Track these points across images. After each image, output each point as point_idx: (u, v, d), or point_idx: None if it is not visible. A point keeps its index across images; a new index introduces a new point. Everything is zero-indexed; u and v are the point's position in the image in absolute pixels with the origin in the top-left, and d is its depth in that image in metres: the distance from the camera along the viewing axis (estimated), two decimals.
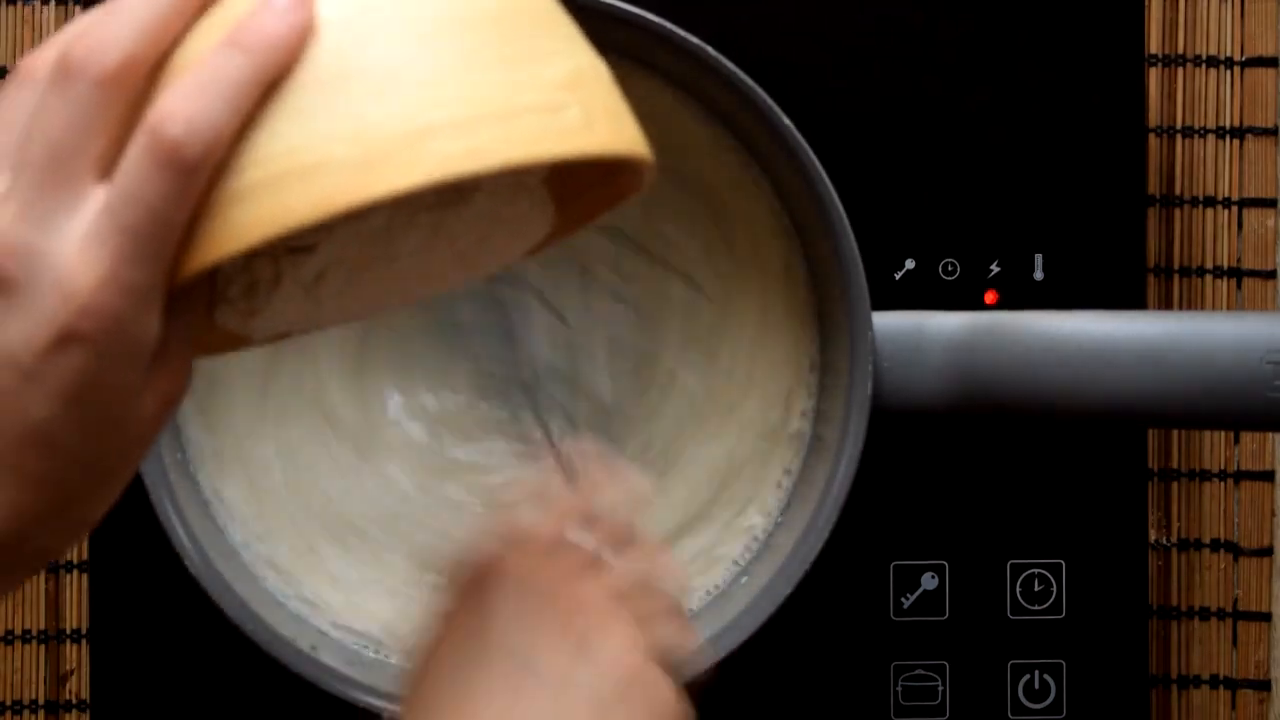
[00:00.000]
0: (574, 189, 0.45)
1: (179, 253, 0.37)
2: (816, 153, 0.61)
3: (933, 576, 0.70)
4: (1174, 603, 0.72)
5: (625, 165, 0.42)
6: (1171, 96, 0.72)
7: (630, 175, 0.43)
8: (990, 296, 0.70)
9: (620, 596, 0.47)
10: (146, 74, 0.37)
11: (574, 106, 0.39)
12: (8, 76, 0.39)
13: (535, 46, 0.39)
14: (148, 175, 0.36)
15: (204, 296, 0.42)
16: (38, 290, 0.36)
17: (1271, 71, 0.73)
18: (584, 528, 0.49)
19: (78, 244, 0.36)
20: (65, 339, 0.36)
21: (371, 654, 0.65)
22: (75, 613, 0.70)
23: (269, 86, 0.37)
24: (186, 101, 0.36)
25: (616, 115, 0.41)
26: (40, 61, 0.38)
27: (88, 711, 0.69)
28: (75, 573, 0.70)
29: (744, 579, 0.66)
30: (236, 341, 0.45)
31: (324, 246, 0.43)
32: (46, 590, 0.70)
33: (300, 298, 0.44)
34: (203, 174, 0.36)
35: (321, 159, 0.36)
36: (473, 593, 0.47)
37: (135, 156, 0.36)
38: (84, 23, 0.38)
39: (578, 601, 0.46)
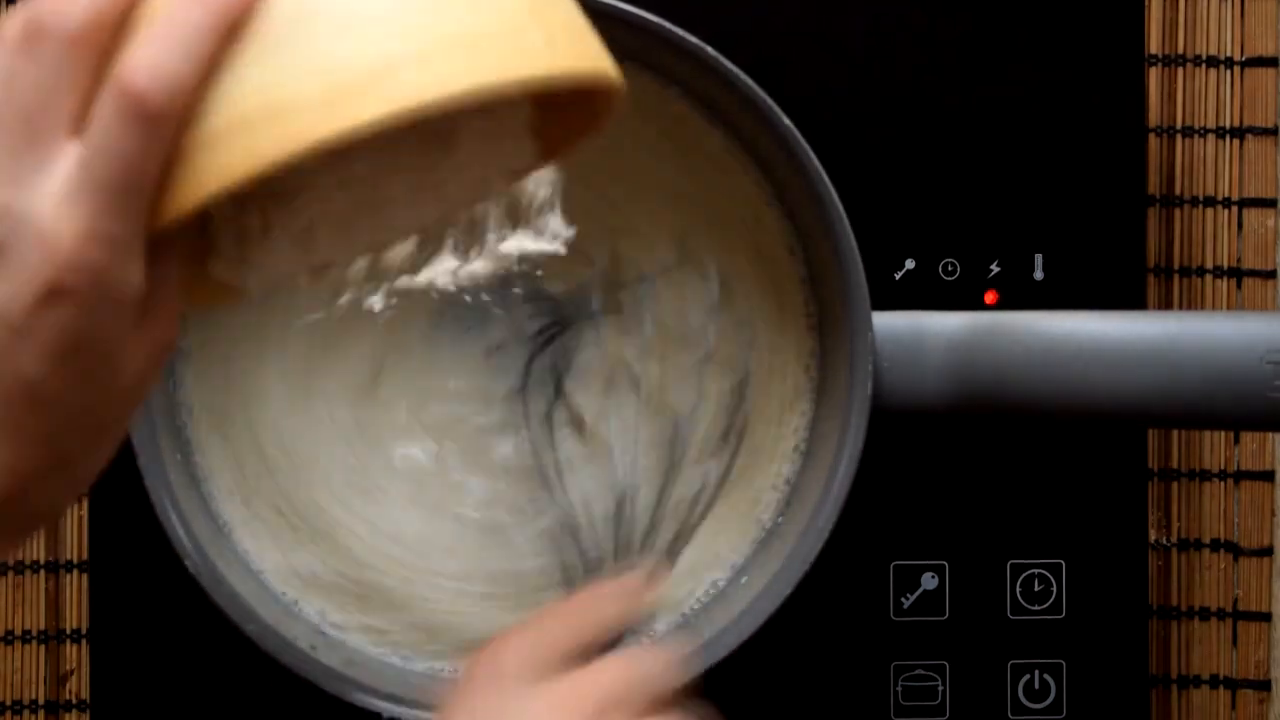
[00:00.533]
0: (551, 117, 0.45)
1: (156, 201, 0.38)
2: (816, 153, 0.61)
3: (933, 576, 0.70)
4: (1174, 603, 0.72)
5: (596, 87, 0.41)
6: (1171, 96, 0.72)
7: (603, 97, 0.43)
8: (990, 296, 0.70)
9: (635, 702, 0.49)
10: (112, 29, 0.38)
11: (535, 30, 0.39)
12: None
13: None
14: (117, 128, 0.37)
15: (188, 245, 0.43)
16: (19, 249, 0.37)
17: (1271, 71, 0.73)
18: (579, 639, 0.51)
19: (55, 201, 0.37)
20: (51, 294, 0.37)
21: (371, 654, 0.65)
22: (75, 613, 0.70)
23: (230, 31, 0.37)
24: (149, 52, 0.37)
25: (579, 36, 0.41)
26: (8, 26, 0.38)
27: (88, 711, 0.69)
28: (75, 573, 0.70)
29: (744, 579, 0.66)
30: (231, 293, 0.45)
31: (307, 195, 0.43)
32: (46, 590, 0.70)
33: (291, 247, 0.44)
34: (170, 122, 0.37)
35: (287, 98, 0.37)
36: (495, 663, 0.49)
37: (104, 110, 0.37)
38: None
39: (600, 699, 0.48)
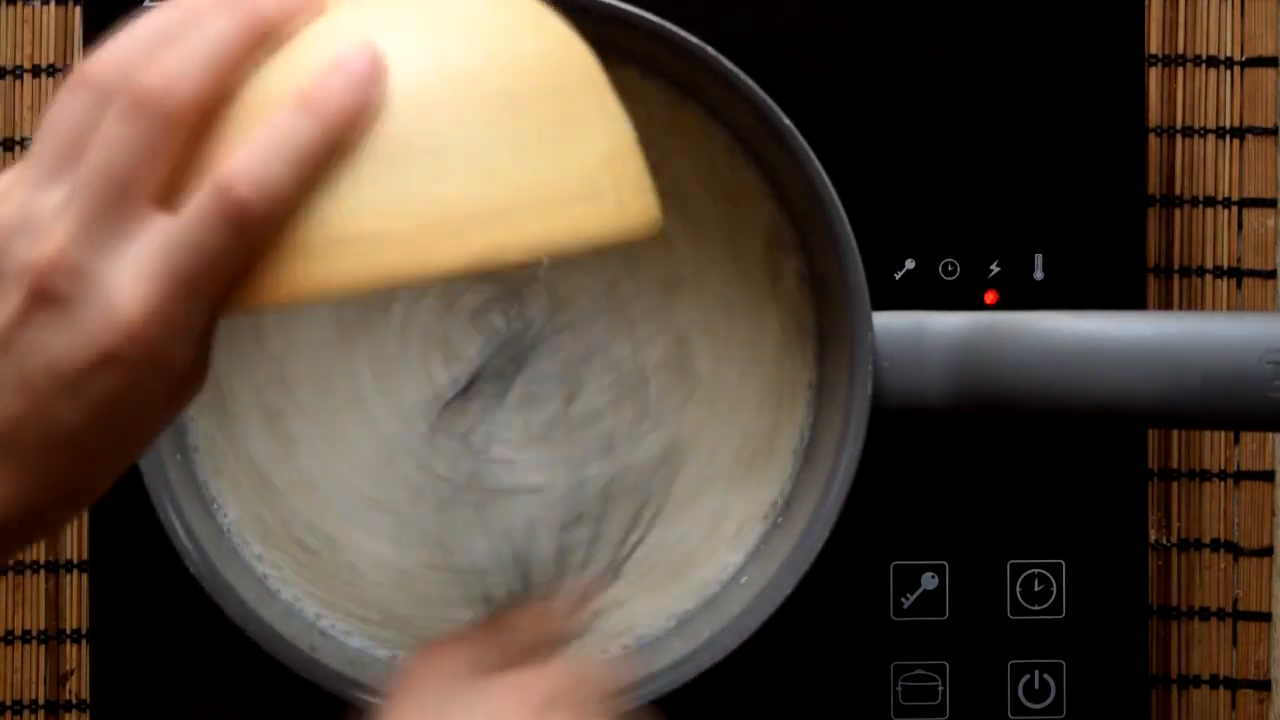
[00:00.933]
0: None
1: (226, 293, 0.39)
2: (816, 153, 0.61)
3: (933, 576, 0.70)
4: (1174, 603, 0.72)
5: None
6: (1171, 96, 0.72)
7: (644, 233, 0.45)
8: (990, 296, 0.70)
9: (561, 707, 0.48)
10: (213, 108, 0.39)
11: (610, 192, 0.42)
12: (65, 80, 0.39)
13: (580, 123, 0.42)
14: (210, 226, 0.38)
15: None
16: (86, 311, 0.38)
17: (1271, 71, 0.73)
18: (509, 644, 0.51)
19: (130, 275, 0.38)
20: (106, 360, 0.38)
21: (371, 654, 0.65)
22: (75, 613, 0.70)
23: (336, 149, 0.38)
24: (254, 158, 0.38)
25: (643, 191, 0.44)
26: (100, 73, 0.39)
27: (88, 711, 0.69)
28: (75, 573, 0.70)
29: (744, 579, 0.66)
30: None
31: None
32: (46, 590, 0.70)
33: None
34: (261, 229, 0.38)
35: (370, 231, 0.38)
36: (422, 683, 0.49)
37: (200, 206, 0.38)
38: (146, 37, 0.39)
39: (526, 709, 0.48)
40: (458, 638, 0.52)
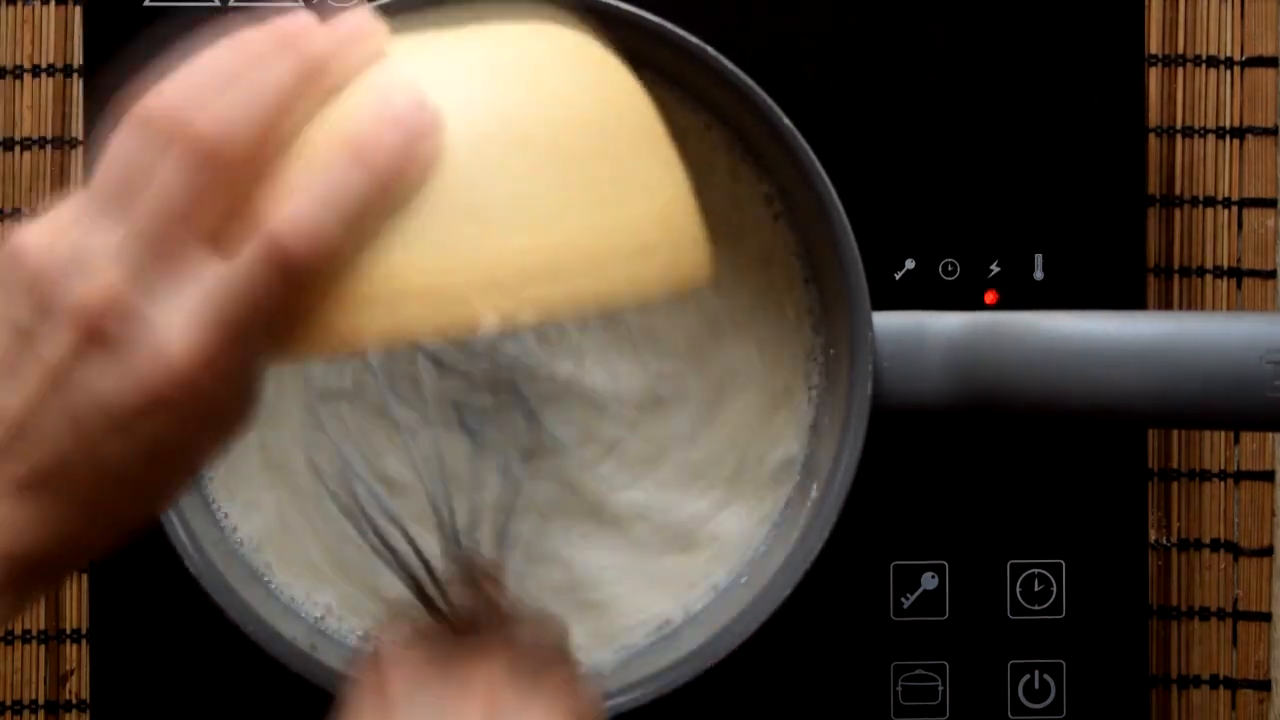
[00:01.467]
0: None
1: (272, 340, 0.39)
2: (816, 153, 0.62)
3: (933, 576, 0.70)
4: (1174, 603, 0.72)
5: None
6: (1171, 96, 0.72)
7: (695, 283, 0.45)
8: (990, 296, 0.70)
9: (524, 674, 0.48)
10: (263, 151, 0.39)
11: (663, 248, 0.41)
12: (122, 119, 0.40)
13: (636, 177, 0.41)
14: (260, 275, 0.38)
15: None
16: (135, 352, 0.38)
17: (1271, 71, 0.73)
18: (473, 615, 0.51)
19: (180, 320, 0.38)
20: (155, 402, 0.39)
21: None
22: (75, 613, 0.70)
23: (386, 200, 0.38)
24: (307, 214, 0.38)
25: (696, 242, 0.43)
26: (159, 113, 0.39)
27: (88, 711, 0.69)
28: (75, 573, 0.70)
29: (744, 579, 0.66)
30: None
31: None
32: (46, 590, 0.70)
33: None
34: (310, 279, 0.38)
35: (419, 286, 0.38)
36: (380, 691, 0.48)
37: (252, 256, 0.38)
38: (205, 78, 0.39)
39: (490, 687, 0.47)
40: (401, 638, 0.50)
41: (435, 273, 0.38)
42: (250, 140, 0.38)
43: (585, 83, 0.42)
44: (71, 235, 0.39)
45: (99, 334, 0.38)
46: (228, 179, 0.38)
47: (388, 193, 0.38)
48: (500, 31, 0.43)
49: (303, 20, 0.41)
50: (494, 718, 0.46)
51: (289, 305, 0.38)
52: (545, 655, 0.50)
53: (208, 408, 0.40)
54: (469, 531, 0.60)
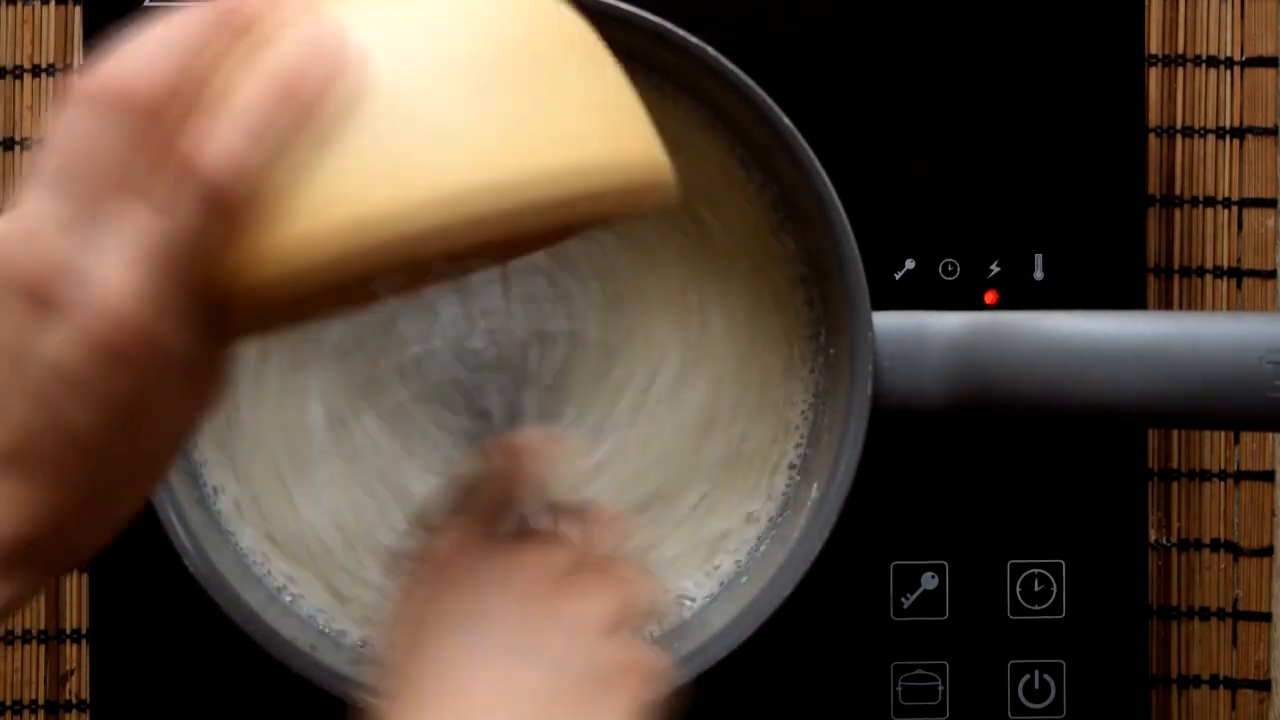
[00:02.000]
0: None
1: (216, 274, 0.39)
2: (816, 153, 0.62)
3: (933, 576, 0.70)
4: (1174, 603, 0.72)
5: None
6: (1171, 96, 0.72)
7: (654, 192, 0.44)
8: (990, 296, 0.70)
9: (590, 569, 0.48)
10: (188, 100, 0.39)
11: (606, 154, 0.41)
12: (61, 102, 0.40)
13: (571, 91, 0.41)
14: (190, 210, 0.38)
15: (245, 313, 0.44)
16: (79, 307, 0.38)
17: (1271, 71, 0.73)
18: (539, 508, 0.50)
19: (117, 266, 0.38)
20: (105, 352, 0.38)
21: (371, 654, 0.65)
22: (75, 613, 0.70)
23: (308, 125, 0.38)
24: (232, 146, 0.38)
25: (647, 152, 0.43)
26: (86, 84, 0.39)
27: (88, 711, 0.69)
28: (75, 573, 0.70)
29: (744, 579, 0.66)
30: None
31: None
32: (46, 590, 0.70)
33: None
34: (234, 204, 0.38)
35: (352, 199, 0.38)
36: (442, 576, 0.48)
37: (180, 191, 0.38)
38: (128, 48, 0.39)
39: (553, 580, 0.47)
40: (436, 548, 0.49)
41: (364, 187, 0.38)
42: (165, 84, 0.38)
43: (514, 7, 0.42)
44: (23, 218, 0.39)
45: (44, 299, 0.38)
46: (148, 124, 0.38)
47: (307, 116, 0.38)
48: None
49: None
50: (553, 607, 0.46)
51: (220, 234, 0.38)
52: (617, 560, 0.49)
53: (162, 355, 0.39)
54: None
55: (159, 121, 0.38)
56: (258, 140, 0.38)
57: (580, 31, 0.44)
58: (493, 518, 0.50)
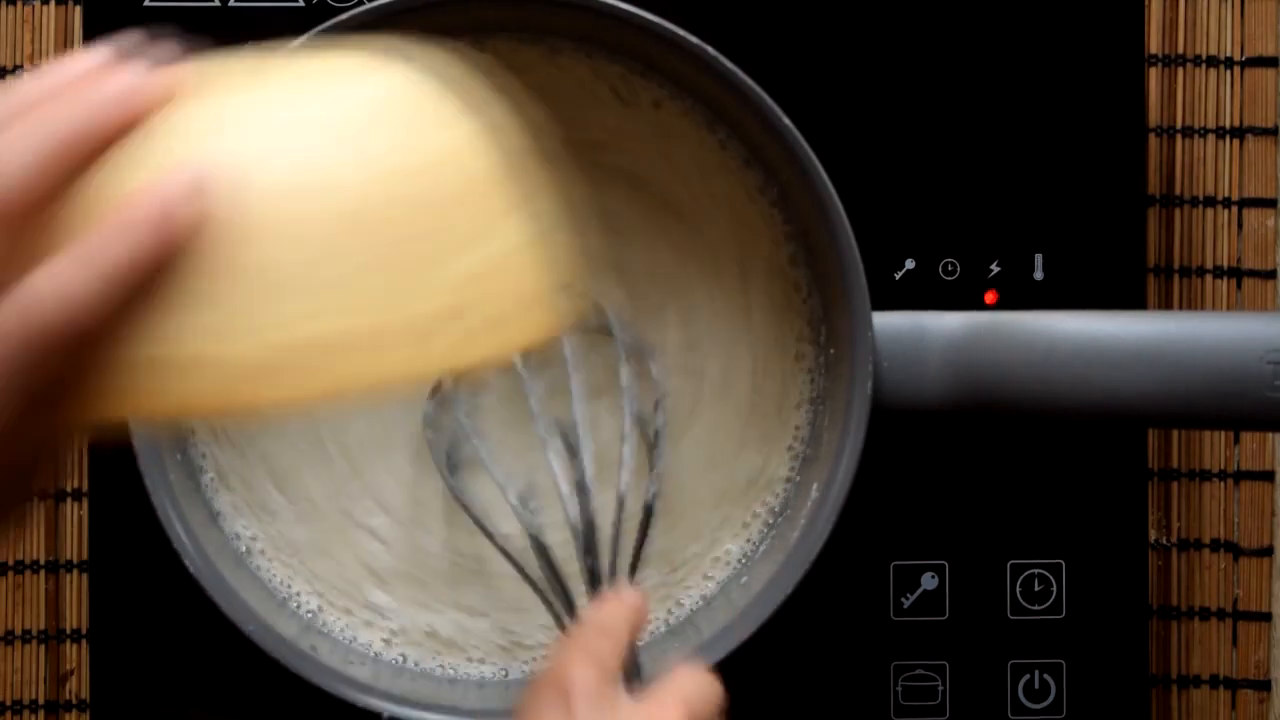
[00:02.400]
0: None
1: (57, 400, 0.37)
2: (816, 153, 0.62)
3: (933, 576, 0.70)
4: (1174, 603, 0.72)
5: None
6: (1171, 96, 0.72)
7: (523, 341, 0.42)
8: (990, 296, 0.70)
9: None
10: (43, 205, 0.37)
11: (474, 314, 0.38)
12: None
13: (445, 244, 0.38)
14: (12, 338, 0.36)
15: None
16: None
17: (1271, 71, 0.73)
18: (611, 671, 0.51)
19: None
20: None
21: (371, 654, 0.65)
22: (75, 613, 0.70)
23: (155, 270, 0.36)
24: (58, 276, 0.36)
25: (522, 302, 0.40)
26: None
27: (88, 711, 0.69)
28: (75, 573, 0.70)
29: (744, 579, 0.66)
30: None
31: None
32: (46, 590, 0.70)
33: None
34: (69, 347, 0.36)
35: (190, 355, 0.36)
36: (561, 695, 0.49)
37: (4, 318, 0.36)
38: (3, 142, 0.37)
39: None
40: (570, 658, 0.50)
41: (205, 342, 0.36)
42: (19, 188, 0.36)
43: (400, 140, 0.39)
44: None
45: None
46: (5, 225, 0.37)
47: (151, 260, 0.36)
48: (321, 76, 0.40)
49: (96, 61, 0.39)
50: None
51: (53, 367, 0.36)
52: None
53: None
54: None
55: (9, 224, 0.37)
56: (96, 280, 0.36)
57: (480, 173, 0.40)
58: (614, 663, 0.51)
